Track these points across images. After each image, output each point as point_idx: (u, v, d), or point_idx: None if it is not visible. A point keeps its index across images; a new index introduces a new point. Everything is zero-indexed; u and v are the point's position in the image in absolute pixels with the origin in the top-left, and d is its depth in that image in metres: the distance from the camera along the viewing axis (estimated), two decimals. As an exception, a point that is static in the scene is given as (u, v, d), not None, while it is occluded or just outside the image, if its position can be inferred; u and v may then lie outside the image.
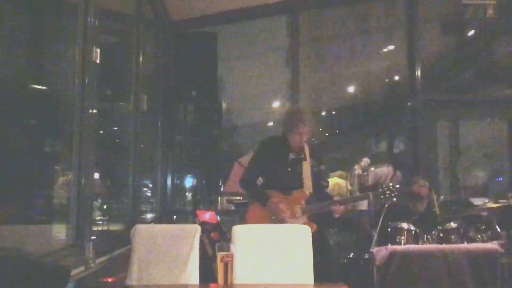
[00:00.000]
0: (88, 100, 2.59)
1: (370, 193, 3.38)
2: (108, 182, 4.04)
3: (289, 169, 3.39)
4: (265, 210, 3.33)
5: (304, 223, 3.25)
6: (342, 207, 3.31)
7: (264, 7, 5.48)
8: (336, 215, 3.32)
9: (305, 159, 3.41)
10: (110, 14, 3.38)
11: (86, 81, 2.57)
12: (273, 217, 3.30)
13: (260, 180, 3.49)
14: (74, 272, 2.33)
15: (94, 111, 2.67)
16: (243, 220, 4.18)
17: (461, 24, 5.78)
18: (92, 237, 2.65)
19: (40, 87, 2.71)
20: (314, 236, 3.03)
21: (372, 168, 5.25)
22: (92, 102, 2.63)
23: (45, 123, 2.76)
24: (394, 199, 3.28)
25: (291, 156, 3.41)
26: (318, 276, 2.50)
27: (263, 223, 3.25)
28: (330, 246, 3.74)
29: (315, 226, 3.24)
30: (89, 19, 2.58)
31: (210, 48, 4.58)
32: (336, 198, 3.39)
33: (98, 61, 2.62)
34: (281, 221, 3.26)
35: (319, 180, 3.49)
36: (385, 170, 5.11)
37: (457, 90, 6.04)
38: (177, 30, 5.08)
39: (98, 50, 2.62)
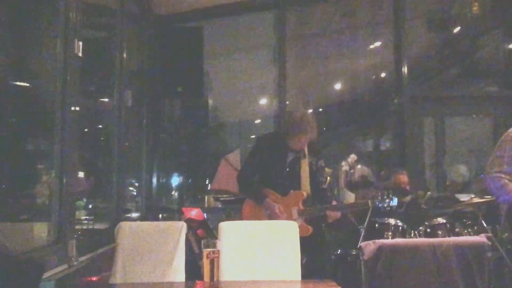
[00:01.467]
0: (70, 96, 2.53)
1: (369, 201, 3.30)
2: (92, 180, 3.98)
3: (288, 169, 3.33)
4: (260, 208, 3.28)
5: (300, 226, 3.22)
6: (338, 213, 3.23)
7: (250, 3, 5.44)
8: (330, 220, 3.26)
9: (304, 156, 3.34)
10: (93, 7, 3.32)
11: (68, 76, 2.51)
12: (268, 213, 3.25)
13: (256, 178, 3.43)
14: (56, 270, 2.29)
15: (77, 107, 2.61)
16: (230, 217, 4.16)
17: (447, 21, 5.82)
18: (75, 236, 2.60)
19: (20, 83, 2.65)
20: (311, 238, 3.01)
21: (359, 166, 5.25)
22: (74, 98, 2.57)
23: (26, 120, 2.70)
24: (392, 205, 3.25)
25: (290, 156, 3.34)
26: (311, 273, 2.48)
27: (258, 219, 3.21)
28: (327, 246, 3.70)
29: (310, 228, 3.21)
30: (71, 12, 2.51)
31: (195, 44, 4.53)
32: (334, 203, 3.31)
33: (80, 54, 2.56)
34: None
35: (317, 177, 3.41)
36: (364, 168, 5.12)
37: (443, 86, 6.07)
38: (162, 25, 5.02)
39: (81, 43, 2.56)
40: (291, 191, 3.30)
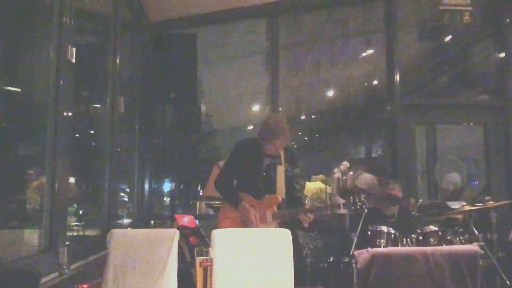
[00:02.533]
0: (63, 101, 2.51)
1: (341, 204, 3.34)
2: (83, 187, 3.94)
3: (264, 173, 3.38)
4: (236, 211, 3.32)
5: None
6: (311, 217, 3.25)
7: (243, 10, 5.45)
8: (305, 225, 3.28)
9: (280, 163, 3.41)
10: (87, 13, 3.31)
11: (61, 81, 2.49)
12: (243, 218, 3.29)
13: (234, 182, 3.46)
14: (47, 278, 2.26)
15: (69, 113, 2.59)
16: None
17: (438, 30, 5.87)
18: (67, 242, 2.57)
19: (12, 88, 2.62)
20: None
21: (351, 173, 5.26)
22: (67, 104, 2.55)
23: (18, 125, 2.68)
24: (366, 210, 3.29)
25: (266, 161, 3.40)
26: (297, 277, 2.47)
27: (233, 224, 3.26)
28: (302, 249, 3.71)
29: None
30: (64, 17, 2.50)
31: (189, 50, 4.53)
32: (307, 206, 3.35)
33: (73, 60, 2.55)
34: (250, 225, 3.25)
35: (293, 183, 3.47)
36: (367, 176, 5.12)
37: (434, 95, 6.12)
38: (155, 31, 5.01)
39: (74, 49, 2.55)
40: (267, 195, 3.34)
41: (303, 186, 3.96)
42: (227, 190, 3.43)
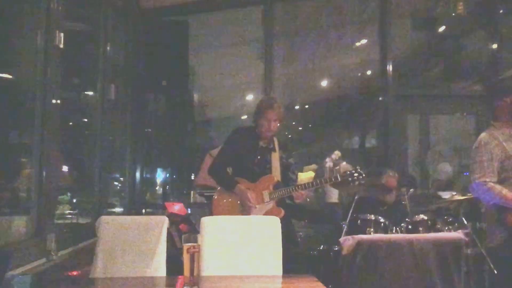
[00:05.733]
0: (51, 88, 2.50)
1: (338, 175, 3.33)
2: (75, 175, 3.94)
3: (258, 157, 3.39)
4: (232, 197, 3.32)
5: (272, 208, 3.28)
6: (303, 193, 3.29)
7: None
8: (297, 201, 3.35)
9: (274, 150, 3.44)
10: (76, -1, 3.28)
11: (49, 68, 2.48)
12: (239, 202, 3.30)
13: (229, 170, 3.47)
14: (35, 264, 2.27)
15: (58, 100, 2.58)
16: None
17: (431, 21, 5.86)
18: (55, 229, 2.57)
19: (1, 74, 2.60)
20: (281, 222, 3.03)
21: (344, 162, 5.27)
22: (55, 90, 2.54)
23: (8, 112, 2.66)
24: (362, 181, 3.28)
25: (261, 144, 3.41)
26: (287, 265, 2.49)
27: (229, 210, 3.27)
28: (295, 233, 3.73)
29: (282, 211, 3.26)
30: (52, 3, 2.48)
31: (181, 38, 4.50)
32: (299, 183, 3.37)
33: (61, 46, 2.53)
34: (248, 207, 3.25)
35: (287, 173, 3.50)
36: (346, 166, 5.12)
37: (427, 85, 6.12)
38: (147, 18, 4.96)
39: (62, 34, 2.53)
40: (263, 176, 3.35)
41: (297, 176, 3.96)
42: (222, 174, 3.43)
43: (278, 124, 3.36)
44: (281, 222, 2.60)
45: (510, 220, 2.77)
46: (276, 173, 3.38)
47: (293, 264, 3.17)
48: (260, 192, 3.31)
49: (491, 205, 2.87)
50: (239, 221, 2.66)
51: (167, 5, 5.14)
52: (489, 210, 2.94)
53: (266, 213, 3.22)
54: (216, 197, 3.41)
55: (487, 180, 2.83)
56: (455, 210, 4.08)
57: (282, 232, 2.56)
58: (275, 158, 3.41)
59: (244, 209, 3.27)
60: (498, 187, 2.81)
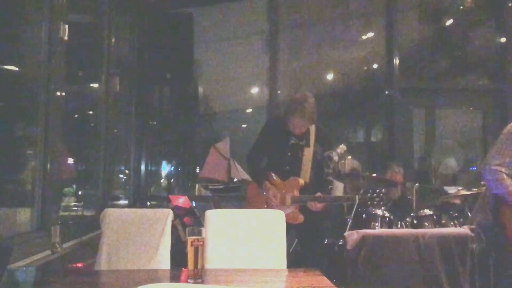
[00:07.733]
0: (55, 80, 2.49)
1: (357, 196, 3.25)
2: (80, 167, 3.95)
3: (289, 154, 3.31)
4: (262, 193, 3.32)
5: (292, 212, 3.20)
6: (318, 205, 3.18)
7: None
8: (313, 209, 3.22)
9: (308, 145, 3.30)
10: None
11: (53, 60, 2.47)
12: (265, 194, 3.28)
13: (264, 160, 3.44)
14: (39, 256, 2.27)
15: (63, 93, 2.57)
16: (218, 206, 4.15)
17: (439, 13, 5.81)
18: (60, 222, 2.58)
19: (6, 66, 2.60)
20: (305, 226, 3.03)
21: (350, 157, 5.25)
22: (59, 83, 2.53)
23: (14, 105, 2.66)
24: (383, 207, 3.24)
25: (292, 141, 3.31)
26: (303, 260, 2.47)
27: (260, 201, 3.26)
28: (321, 235, 3.66)
29: (301, 217, 3.20)
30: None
31: (185, 30, 4.47)
32: (318, 194, 3.22)
33: (66, 38, 2.52)
34: (271, 206, 3.22)
35: (322, 166, 3.35)
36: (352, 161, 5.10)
37: (434, 78, 6.08)
38: (151, 10, 4.93)
39: (66, 26, 2.51)
40: (291, 177, 3.28)
41: (335, 170, 3.81)
42: (254, 166, 3.41)
43: (312, 122, 3.24)
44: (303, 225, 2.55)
45: (504, 213, 2.73)
46: (306, 172, 3.27)
47: (304, 255, 3.17)
48: (284, 194, 3.24)
49: (493, 194, 2.83)
50: (244, 215, 2.65)
51: (172, -3, 5.12)
52: (487, 196, 2.89)
53: (287, 216, 3.11)
54: (250, 185, 3.43)
55: (503, 170, 2.78)
56: (460, 205, 4.06)
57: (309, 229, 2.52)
58: (308, 154, 3.28)
59: (268, 207, 3.23)
60: (508, 181, 2.77)
